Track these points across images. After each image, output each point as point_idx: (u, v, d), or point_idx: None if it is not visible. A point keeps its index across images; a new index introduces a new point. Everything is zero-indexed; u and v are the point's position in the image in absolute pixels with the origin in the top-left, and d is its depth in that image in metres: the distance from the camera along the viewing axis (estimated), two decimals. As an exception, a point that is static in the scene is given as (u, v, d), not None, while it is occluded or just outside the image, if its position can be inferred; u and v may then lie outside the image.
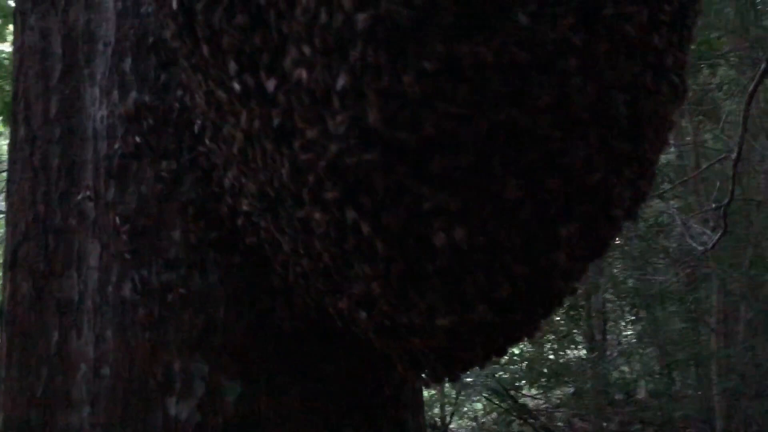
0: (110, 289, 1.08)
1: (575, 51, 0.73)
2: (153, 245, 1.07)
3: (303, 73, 0.75)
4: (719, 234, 3.48)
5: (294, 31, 0.75)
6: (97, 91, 1.13)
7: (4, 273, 1.18)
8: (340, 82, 0.73)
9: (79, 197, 1.11)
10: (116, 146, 1.10)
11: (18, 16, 1.22)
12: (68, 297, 1.10)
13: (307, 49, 0.75)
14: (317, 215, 0.84)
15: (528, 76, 0.73)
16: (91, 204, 1.10)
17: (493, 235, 0.80)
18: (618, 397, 9.87)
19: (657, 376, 10.42)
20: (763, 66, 2.74)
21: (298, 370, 1.07)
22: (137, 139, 1.09)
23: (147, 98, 1.10)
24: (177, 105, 1.09)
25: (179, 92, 1.09)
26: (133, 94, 1.11)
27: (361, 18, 0.71)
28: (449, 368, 0.94)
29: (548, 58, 0.72)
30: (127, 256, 1.07)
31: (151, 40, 1.11)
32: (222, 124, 0.92)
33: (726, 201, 3.29)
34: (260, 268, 1.07)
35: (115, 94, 1.12)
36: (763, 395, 8.66)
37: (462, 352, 0.91)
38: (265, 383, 1.05)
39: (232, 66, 0.82)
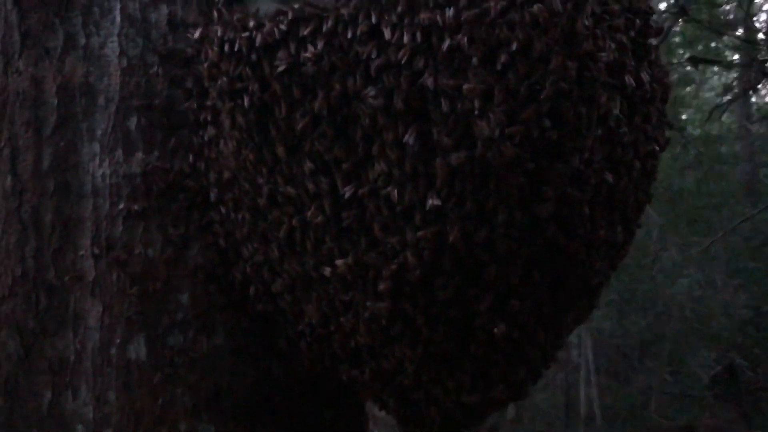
0: (113, 350, 1.08)
1: (602, 197, 0.91)
2: (161, 308, 1.09)
3: (394, 193, 0.84)
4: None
5: (384, 153, 0.85)
6: (97, 147, 1.12)
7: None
8: (430, 202, 0.84)
9: (81, 255, 1.09)
10: (120, 206, 1.10)
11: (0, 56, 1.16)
12: (62, 357, 1.08)
13: (397, 172, 0.85)
14: (369, 303, 0.94)
15: (573, 213, 0.89)
16: (90, 263, 1.10)
17: (525, 329, 0.95)
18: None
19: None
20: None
21: (291, 425, 1.15)
22: (145, 201, 1.10)
23: (155, 161, 1.11)
24: (189, 171, 1.11)
25: (191, 158, 1.11)
26: (140, 155, 1.12)
27: (455, 155, 0.82)
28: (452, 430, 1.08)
29: (584, 201, 0.89)
30: (135, 317, 1.08)
31: (157, 101, 1.12)
32: (270, 208, 0.98)
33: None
34: (264, 331, 1.13)
35: (119, 152, 1.12)
36: (548, 386, 9.67)
37: (468, 420, 1.05)
38: (267, 440, 1.12)
39: (308, 166, 0.89)
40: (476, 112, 0.81)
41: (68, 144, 1.12)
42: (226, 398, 1.10)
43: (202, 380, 1.09)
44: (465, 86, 0.80)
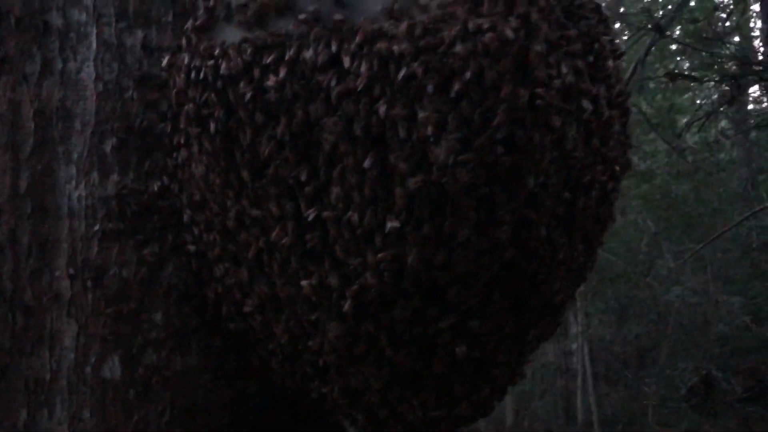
0: (88, 369, 1.10)
1: (560, 219, 0.93)
2: (135, 327, 1.11)
3: (355, 216, 0.87)
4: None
5: (344, 178, 0.87)
6: (73, 169, 1.15)
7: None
8: (389, 225, 0.86)
9: (57, 276, 1.12)
10: (96, 227, 1.13)
11: (-23, 80, 1.19)
12: (38, 376, 1.11)
13: (357, 197, 0.87)
14: (334, 324, 0.96)
15: (530, 236, 0.91)
16: (66, 283, 1.12)
17: (486, 349, 0.97)
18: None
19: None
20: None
21: (266, 442, 1.17)
22: (120, 223, 1.12)
23: (130, 183, 1.14)
24: (162, 192, 1.13)
25: (165, 180, 1.14)
26: (115, 177, 1.14)
27: (412, 180, 0.85)
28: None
29: (541, 223, 0.91)
30: (109, 337, 1.10)
31: (136, 125, 1.15)
32: (238, 230, 1.00)
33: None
34: (238, 350, 1.15)
35: (95, 175, 1.14)
36: (546, 394, 9.67)
37: (435, 434, 1.07)
38: (240, 457, 1.14)
39: (272, 190, 0.92)
40: (431, 139, 0.83)
41: (45, 167, 1.15)
42: (200, 416, 1.12)
43: (177, 398, 1.11)
44: (420, 114, 0.83)
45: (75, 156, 1.15)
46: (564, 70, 0.88)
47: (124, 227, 1.13)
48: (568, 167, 0.92)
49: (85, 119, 1.15)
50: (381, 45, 0.85)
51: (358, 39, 0.87)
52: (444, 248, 0.88)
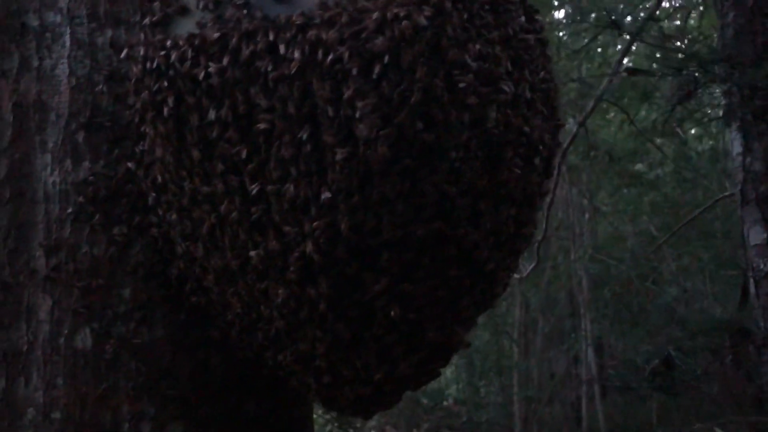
0: (62, 340, 1.19)
1: (483, 190, 1.02)
2: (105, 302, 1.21)
3: (291, 188, 0.96)
4: (533, 264, 4.00)
5: (281, 154, 0.96)
6: (48, 158, 1.24)
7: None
8: (323, 196, 0.95)
9: (33, 255, 1.21)
10: (69, 210, 1.22)
11: (-37, 78, 1.29)
12: (16, 347, 1.20)
13: (293, 170, 0.96)
14: (280, 290, 1.05)
15: (454, 203, 0.99)
16: (42, 262, 1.21)
17: (419, 312, 1.05)
18: (427, 403, 10.52)
19: (464, 384, 11.24)
20: (574, 130, 3.27)
21: (229, 409, 1.26)
22: (90, 206, 1.22)
23: (100, 169, 1.23)
24: (129, 177, 1.23)
25: (131, 165, 1.24)
26: (86, 164, 1.24)
27: (340, 152, 0.94)
28: (367, 412, 1.18)
29: (468, 194, 1.00)
30: (81, 310, 1.20)
31: (106, 117, 1.25)
32: (192, 207, 1.09)
33: (539, 238, 3.82)
34: (201, 323, 1.24)
35: (68, 162, 1.24)
36: (554, 400, 9.69)
37: (381, 399, 1.15)
38: (203, 422, 1.22)
39: (219, 167, 1.01)
40: (356, 116, 0.92)
41: (23, 156, 1.25)
42: (165, 383, 1.21)
43: (143, 367, 1.20)
44: (345, 94, 0.92)
45: (50, 145, 1.25)
46: (481, 53, 0.97)
47: (94, 210, 1.22)
48: (489, 144, 1.01)
49: (60, 111, 1.25)
50: (311, 33, 0.94)
51: (293, 28, 0.96)
52: (373, 215, 0.96)
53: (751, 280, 3.29)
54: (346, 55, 0.92)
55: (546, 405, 9.76)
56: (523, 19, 1.08)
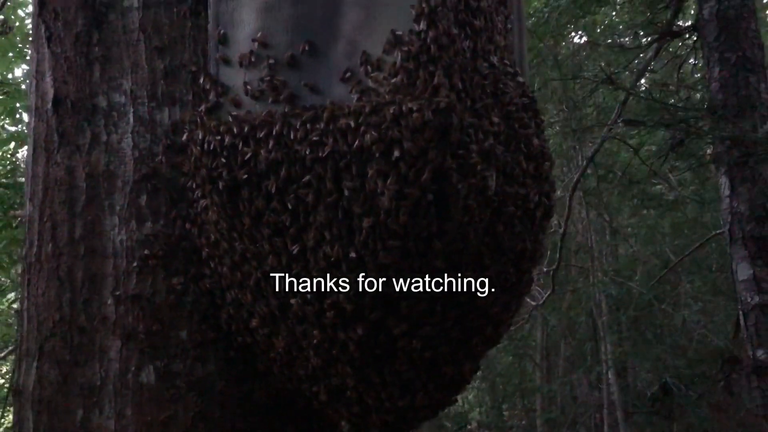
0: (129, 376, 1.40)
1: (487, 246, 1.20)
2: (165, 342, 1.41)
3: (328, 248, 1.16)
4: (548, 292, 4.16)
5: (317, 221, 1.17)
6: (116, 219, 1.46)
7: (27, 362, 1.46)
8: (351, 254, 1.15)
9: (104, 302, 1.42)
10: (134, 264, 1.43)
11: (43, 151, 1.52)
12: (91, 383, 1.41)
13: (327, 234, 1.16)
14: (316, 332, 1.25)
15: (461, 259, 1.19)
16: (112, 309, 1.42)
17: (435, 350, 1.25)
18: (450, 426, 10.59)
19: (487, 408, 11.29)
20: (584, 164, 3.45)
21: (271, 435, 1.45)
22: (153, 261, 1.43)
23: (160, 228, 1.45)
24: (185, 235, 1.44)
25: (187, 225, 1.44)
26: (149, 224, 1.45)
27: (366, 220, 1.14)
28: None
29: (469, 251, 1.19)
30: (146, 350, 1.40)
31: (164, 183, 1.46)
32: (241, 263, 1.30)
33: (554, 267, 3.99)
34: (247, 359, 1.44)
35: (133, 222, 1.45)
36: (578, 423, 9.73)
37: (403, 424, 1.34)
38: (250, 446, 1.42)
39: (266, 232, 1.21)
40: (378, 191, 1.12)
41: (94, 217, 1.46)
42: (216, 412, 1.41)
43: (198, 398, 1.40)
44: (369, 173, 1.12)
45: (117, 208, 1.46)
46: (481, 136, 1.17)
47: (156, 263, 1.43)
48: (490, 208, 1.20)
49: (125, 179, 1.47)
50: (342, 122, 1.15)
51: (325, 117, 1.17)
52: (394, 272, 1.16)
53: (740, 312, 3.44)
54: (369, 140, 1.13)
55: (569, 428, 9.80)
56: (519, 98, 1.27)
